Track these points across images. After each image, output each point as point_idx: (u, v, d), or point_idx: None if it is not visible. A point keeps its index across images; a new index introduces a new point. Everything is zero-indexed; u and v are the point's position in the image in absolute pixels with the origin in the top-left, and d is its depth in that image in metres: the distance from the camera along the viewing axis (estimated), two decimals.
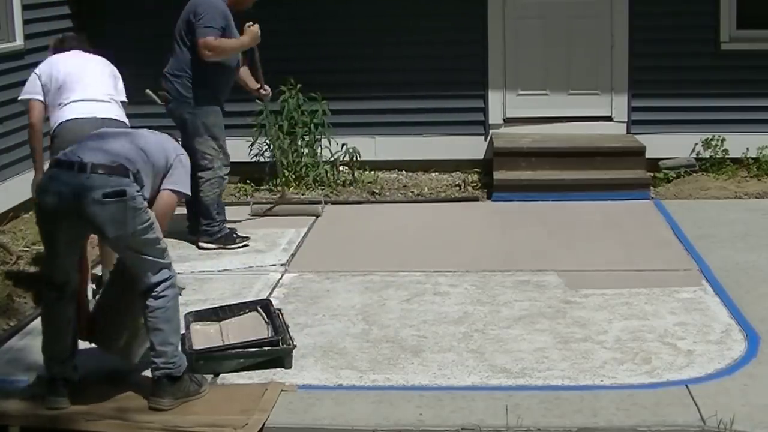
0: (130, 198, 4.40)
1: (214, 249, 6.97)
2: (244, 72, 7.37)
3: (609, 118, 9.17)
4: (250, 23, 7.06)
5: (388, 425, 4.40)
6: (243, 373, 4.92)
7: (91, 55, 6.26)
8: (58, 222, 4.46)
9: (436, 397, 4.63)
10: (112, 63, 6.36)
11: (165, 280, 4.56)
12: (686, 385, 4.67)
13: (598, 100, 9.17)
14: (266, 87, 7.52)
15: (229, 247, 7.00)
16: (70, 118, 5.81)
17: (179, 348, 4.64)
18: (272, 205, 8.01)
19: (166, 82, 7.00)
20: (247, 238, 7.12)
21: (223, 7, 6.88)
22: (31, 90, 6.04)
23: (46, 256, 4.65)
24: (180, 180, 4.76)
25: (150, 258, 4.52)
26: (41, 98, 5.99)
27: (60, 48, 6.25)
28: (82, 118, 5.78)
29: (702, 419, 4.35)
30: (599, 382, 4.77)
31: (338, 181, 8.83)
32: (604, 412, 4.45)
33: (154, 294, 4.54)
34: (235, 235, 7.11)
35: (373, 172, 9.10)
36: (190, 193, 4.91)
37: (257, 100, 7.89)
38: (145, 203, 4.51)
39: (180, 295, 4.76)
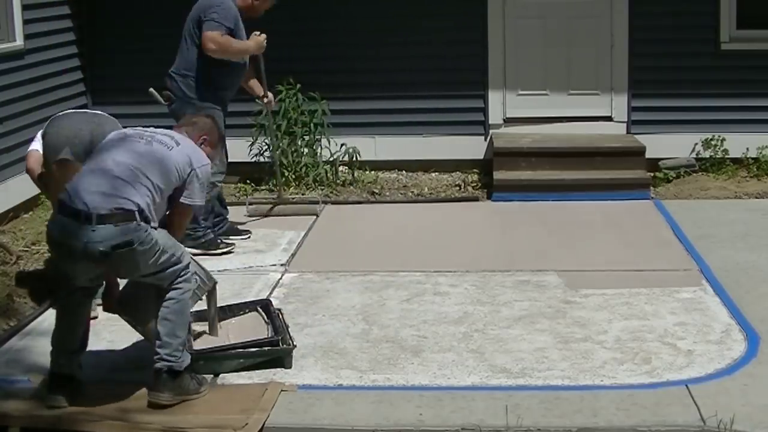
0: (138, 244, 4.42)
1: (199, 254, 6.84)
2: (250, 78, 7.35)
3: (609, 118, 9.17)
4: (258, 33, 7.03)
5: (388, 425, 4.40)
6: (243, 373, 4.92)
7: None
8: (74, 264, 4.52)
9: (436, 397, 4.63)
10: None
11: (180, 274, 4.61)
12: (686, 385, 4.68)
13: (598, 100, 9.17)
14: (269, 95, 7.51)
15: (211, 252, 6.86)
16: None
17: (185, 344, 4.64)
18: (270, 206, 8.00)
19: (171, 81, 6.92)
20: (232, 245, 7.04)
21: (235, 11, 6.83)
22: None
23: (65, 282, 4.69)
24: (195, 194, 4.73)
25: (167, 272, 4.58)
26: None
27: None
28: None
29: (702, 419, 4.35)
30: (599, 382, 4.78)
31: (338, 181, 8.83)
32: (604, 412, 4.45)
33: (170, 283, 4.60)
34: (219, 241, 7.01)
35: (373, 172, 9.09)
36: (203, 203, 4.91)
37: (257, 100, 7.89)
38: (155, 237, 4.48)
39: (214, 290, 4.92)
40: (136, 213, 4.43)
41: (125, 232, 4.38)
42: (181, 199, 4.70)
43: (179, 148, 4.71)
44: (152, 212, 4.51)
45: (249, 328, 5.23)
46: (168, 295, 4.58)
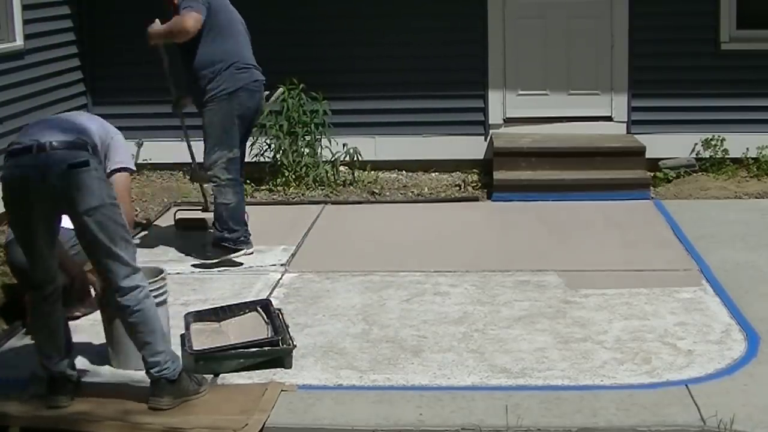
0: (94, 168, 4.40)
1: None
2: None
3: (609, 118, 9.17)
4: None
5: (388, 425, 4.40)
6: (243, 373, 4.92)
7: None
8: (31, 209, 4.41)
9: (436, 397, 4.63)
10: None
11: (137, 288, 4.51)
12: (686, 385, 4.67)
13: (598, 100, 9.17)
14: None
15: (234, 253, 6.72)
16: None
17: (170, 352, 4.61)
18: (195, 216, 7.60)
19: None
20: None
21: None
22: None
23: (28, 257, 4.59)
24: (126, 158, 4.81)
25: (123, 256, 4.46)
26: None
27: None
28: None
29: (702, 419, 4.35)
30: (599, 382, 4.78)
31: (338, 181, 8.83)
32: (604, 412, 4.45)
33: (128, 309, 4.50)
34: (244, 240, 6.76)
35: (373, 172, 9.10)
36: (135, 168, 4.93)
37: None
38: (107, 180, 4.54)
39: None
40: (89, 146, 4.48)
41: (80, 155, 4.39)
42: (117, 166, 4.77)
43: (92, 115, 4.93)
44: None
45: (249, 328, 5.23)
46: (134, 320, 4.49)
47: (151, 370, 4.55)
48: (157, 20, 6.76)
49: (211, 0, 6.57)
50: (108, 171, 4.78)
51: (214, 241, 6.65)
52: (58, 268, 4.65)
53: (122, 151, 4.90)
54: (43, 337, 4.65)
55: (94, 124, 4.82)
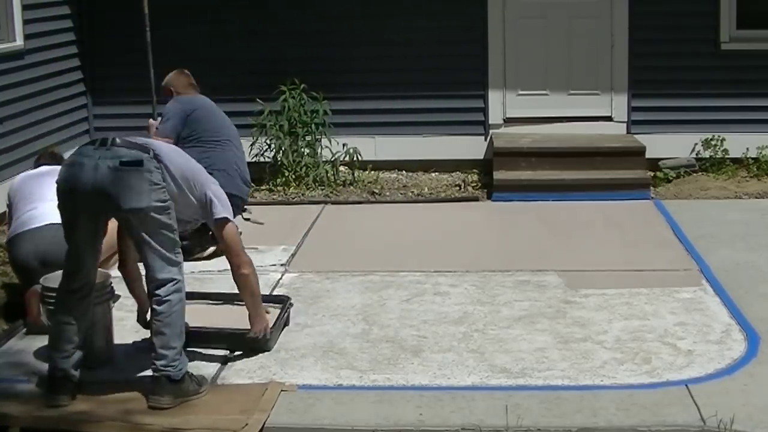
0: (147, 170, 4.48)
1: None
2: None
3: (609, 118, 9.18)
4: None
5: (388, 425, 4.40)
6: (243, 373, 4.93)
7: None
8: (76, 198, 4.51)
9: (436, 397, 4.63)
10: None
11: (172, 281, 4.58)
12: (686, 385, 4.68)
13: (598, 100, 9.18)
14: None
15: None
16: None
17: (181, 352, 4.64)
18: None
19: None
20: None
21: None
22: None
23: (68, 243, 4.66)
24: (225, 208, 4.86)
25: (161, 250, 4.54)
26: None
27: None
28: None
29: (702, 419, 4.35)
30: (599, 382, 4.78)
31: (338, 181, 8.83)
32: (604, 412, 4.45)
33: (157, 298, 4.56)
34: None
35: (373, 172, 9.10)
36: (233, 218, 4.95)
37: (258, 100, 7.87)
38: (165, 186, 4.55)
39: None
40: (152, 151, 4.56)
41: (137, 155, 4.50)
42: (220, 215, 4.82)
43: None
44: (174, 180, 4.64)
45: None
46: (159, 309, 4.56)
47: (157, 362, 4.56)
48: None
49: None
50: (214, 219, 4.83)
51: None
52: (94, 266, 4.70)
53: (219, 203, 4.86)
54: (58, 330, 4.66)
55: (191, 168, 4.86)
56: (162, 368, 4.55)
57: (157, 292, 4.57)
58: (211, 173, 5.71)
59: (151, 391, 4.58)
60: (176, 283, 4.60)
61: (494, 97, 9.20)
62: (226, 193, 5.01)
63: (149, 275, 4.60)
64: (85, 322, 4.72)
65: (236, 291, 5.10)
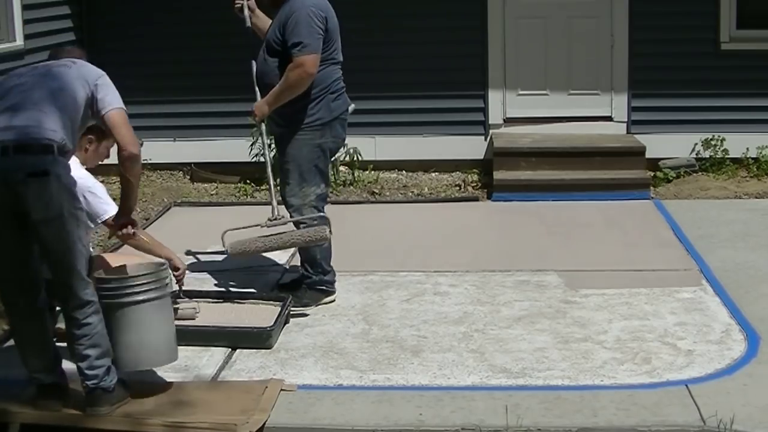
0: (55, 177, 4.19)
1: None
2: None
3: (609, 118, 9.18)
4: None
5: (388, 425, 4.40)
6: (243, 373, 4.93)
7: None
8: None
9: (436, 397, 4.63)
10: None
11: (89, 303, 4.38)
12: (686, 385, 4.67)
13: (598, 100, 9.18)
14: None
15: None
16: None
17: (110, 366, 4.48)
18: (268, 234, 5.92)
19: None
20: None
21: None
22: None
23: None
24: (115, 100, 4.52)
25: (79, 268, 4.31)
26: None
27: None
28: None
29: (702, 419, 4.35)
30: (599, 382, 4.78)
31: (338, 181, 8.83)
32: (604, 412, 4.45)
33: (77, 321, 4.37)
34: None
35: (373, 172, 9.10)
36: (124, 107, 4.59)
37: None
38: (76, 185, 4.30)
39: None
40: (55, 148, 4.22)
41: (42, 163, 4.17)
42: (110, 108, 4.48)
43: (74, 69, 4.49)
44: (73, 132, 4.34)
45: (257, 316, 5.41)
46: (79, 333, 4.36)
47: (88, 382, 4.42)
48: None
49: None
50: (101, 114, 4.49)
51: (309, 284, 5.86)
52: (37, 278, 4.43)
53: (110, 91, 4.54)
54: (28, 351, 4.52)
55: (71, 81, 4.43)
56: (92, 386, 4.42)
57: (75, 315, 4.35)
58: (324, 94, 5.75)
59: (88, 404, 4.45)
60: (93, 304, 4.39)
61: (494, 97, 9.21)
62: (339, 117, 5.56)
63: (67, 294, 4.33)
64: (49, 335, 4.54)
65: (236, 290, 5.08)
